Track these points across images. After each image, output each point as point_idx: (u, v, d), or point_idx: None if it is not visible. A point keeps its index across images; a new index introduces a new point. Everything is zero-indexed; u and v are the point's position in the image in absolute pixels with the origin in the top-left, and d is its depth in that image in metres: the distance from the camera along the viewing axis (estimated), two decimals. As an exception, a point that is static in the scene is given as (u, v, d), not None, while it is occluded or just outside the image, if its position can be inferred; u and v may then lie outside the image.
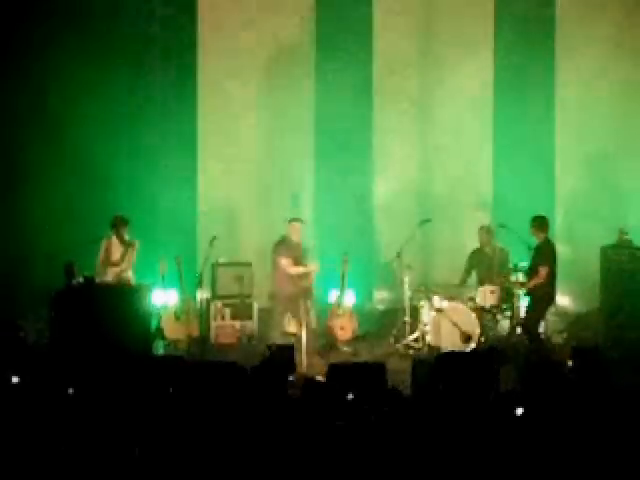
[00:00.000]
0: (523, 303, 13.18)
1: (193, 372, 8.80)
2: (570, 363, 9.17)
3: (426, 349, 13.12)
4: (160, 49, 14.88)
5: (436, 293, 13.37)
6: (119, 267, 13.00)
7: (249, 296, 14.04)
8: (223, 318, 13.95)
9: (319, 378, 9.86)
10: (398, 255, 13.62)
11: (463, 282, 13.87)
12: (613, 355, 11.76)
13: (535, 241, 12.73)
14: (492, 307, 13.34)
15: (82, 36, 14.37)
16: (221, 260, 14.17)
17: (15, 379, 8.57)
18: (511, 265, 13.40)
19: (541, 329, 13.14)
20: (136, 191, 14.37)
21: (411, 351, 13.27)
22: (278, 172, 15.58)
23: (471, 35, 15.52)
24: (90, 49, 14.32)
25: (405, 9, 15.65)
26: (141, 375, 8.81)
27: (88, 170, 14.37)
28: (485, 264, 13.70)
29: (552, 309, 13.07)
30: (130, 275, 13.01)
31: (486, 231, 13.85)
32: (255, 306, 13.99)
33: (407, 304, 13.52)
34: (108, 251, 13.02)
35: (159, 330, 13.19)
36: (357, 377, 8.58)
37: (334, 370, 8.91)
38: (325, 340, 13.58)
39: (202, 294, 13.71)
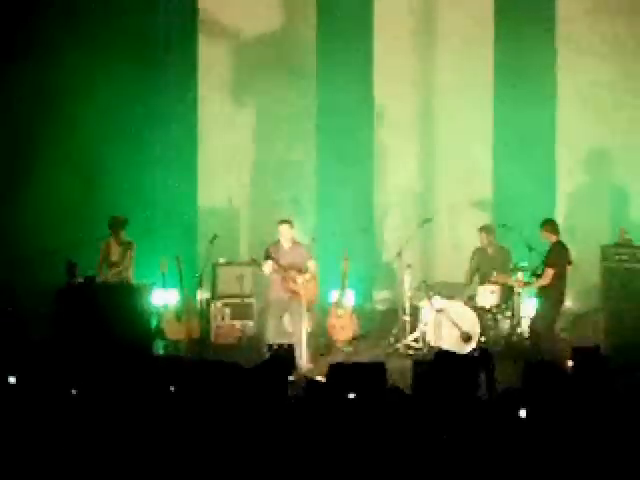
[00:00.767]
0: (527, 303, 13.20)
1: (193, 372, 8.78)
2: (571, 363, 9.15)
3: (426, 349, 13.11)
4: (160, 47, 14.87)
5: (436, 293, 13.36)
6: (119, 268, 12.99)
7: (249, 296, 14.03)
8: (223, 318, 13.93)
9: (319, 378, 9.86)
10: (398, 255, 13.62)
11: (469, 281, 13.84)
12: (614, 355, 11.74)
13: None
14: (492, 307, 13.33)
15: (81, 36, 14.38)
16: (221, 260, 14.16)
17: (12, 379, 8.55)
18: (512, 265, 13.42)
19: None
20: (136, 190, 14.36)
21: (411, 351, 13.26)
22: (279, 172, 15.58)
23: (471, 35, 15.52)
24: (90, 50, 14.32)
25: (405, 10, 15.67)
26: (141, 374, 8.80)
27: (88, 169, 14.39)
28: (486, 264, 13.69)
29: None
30: (130, 275, 13.00)
31: (487, 231, 13.84)
32: (255, 306, 13.98)
33: (407, 304, 13.50)
34: (107, 252, 13.03)
35: (159, 330, 13.19)
36: (357, 377, 8.57)
37: (334, 370, 8.89)
38: (325, 340, 13.59)
39: (202, 294, 13.71)
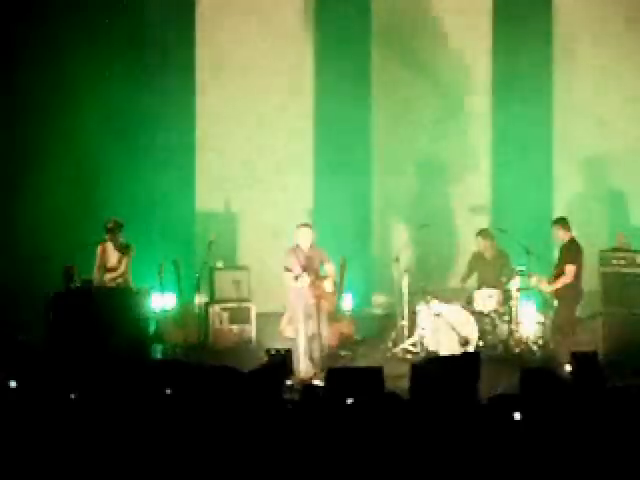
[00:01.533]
0: (524, 307, 13.20)
1: (191, 376, 8.78)
2: (569, 368, 9.15)
3: (424, 353, 13.10)
4: (157, 51, 14.87)
5: (434, 297, 13.35)
6: (116, 272, 12.92)
7: (247, 300, 14.03)
8: (221, 322, 13.93)
9: (317, 382, 9.86)
10: (396, 259, 13.63)
11: (463, 283, 13.87)
12: (612, 360, 11.74)
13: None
14: (490, 311, 13.33)
15: (78, 42, 14.38)
16: (219, 264, 14.16)
17: (13, 384, 8.55)
18: (510, 268, 13.43)
19: (540, 333, 13.16)
20: (134, 194, 14.36)
21: (409, 355, 13.26)
22: (276, 177, 15.58)
23: (469, 38, 15.54)
24: (87, 55, 14.34)
25: (403, 12, 15.69)
26: (139, 379, 8.79)
27: (85, 173, 14.40)
28: (484, 268, 13.70)
29: (550, 313, 13.02)
30: (128, 280, 12.94)
31: (485, 235, 13.85)
32: (253, 310, 13.97)
33: (405, 308, 13.50)
34: (104, 257, 12.89)
35: (157, 334, 13.17)
36: (355, 382, 8.56)
37: (332, 374, 8.89)
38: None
39: (200, 298, 13.71)
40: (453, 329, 13.04)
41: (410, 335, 13.44)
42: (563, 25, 15.49)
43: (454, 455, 7.34)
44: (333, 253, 14.09)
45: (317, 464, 7.33)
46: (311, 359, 12.16)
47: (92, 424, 7.82)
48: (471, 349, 12.86)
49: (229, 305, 13.97)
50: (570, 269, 12.21)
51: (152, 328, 12.90)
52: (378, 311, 15.42)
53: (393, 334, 13.65)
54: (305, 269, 12.15)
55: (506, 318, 13.33)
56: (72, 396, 8.34)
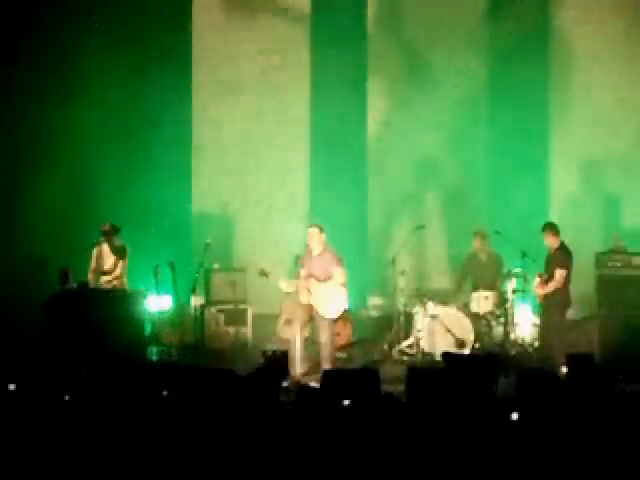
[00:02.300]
0: (520, 309, 13.20)
1: (187, 378, 8.78)
2: (565, 370, 9.15)
3: (420, 355, 13.11)
4: (155, 55, 14.87)
5: (430, 299, 13.36)
6: (112, 275, 12.90)
7: (243, 302, 14.02)
8: (217, 324, 13.92)
9: (313, 384, 9.85)
10: (392, 261, 13.62)
11: (458, 287, 13.88)
12: (608, 362, 11.75)
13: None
14: (486, 313, 13.34)
15: (76, 44, 14.38)
16: (215, 266, 14.15)
17: (12, 386, 8.55)
18: (505, 271, 13.43)
19: (535, 335, 13.16)
20: (130, 196, 14.36)
21: (405, 357, 13.26)
22: (273, 178, 15.58)
23: (466, 41, 15.55)
24: (84, 58, 14.34)
25: (400, 13, 15.70)
26: (135, 380, 8.79)
27: (82, 176, 14.39)
28: (479, 270, 13.71)
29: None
30: (124, 282, 12.92)
31: (480, 237, 13.86)
32: (249, 312, 13.96)
33: (401, 310, 13.50)
34: (99, 260, 12.86)
35: (153, 336, 13.16)
36: (351, 383, 8.57)
37: (328, 376, 8.90)
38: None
39: (196, 300, 13.69)
40: (449, 331, 13.05)
41: (406, 337, 13.44)
42: (560, 27, 15.49)
43: (451, 456, 7.34)
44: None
45: (313, 466, 7.33)
46: (306, 361, 12.17)
47: (89, 426, 7.82)
48: (467, 351, 12.87)
49: (225, 307, 13.96)
50: (561, 273, 12.23)
51: (148, 330, 12.89)
52: (374, 313, 15.41)
53: (389, 336, 13.65)
54: (309, 274, 12.08)
55: (502, 320, 13.34)
56: (66, 398, 8.34)
